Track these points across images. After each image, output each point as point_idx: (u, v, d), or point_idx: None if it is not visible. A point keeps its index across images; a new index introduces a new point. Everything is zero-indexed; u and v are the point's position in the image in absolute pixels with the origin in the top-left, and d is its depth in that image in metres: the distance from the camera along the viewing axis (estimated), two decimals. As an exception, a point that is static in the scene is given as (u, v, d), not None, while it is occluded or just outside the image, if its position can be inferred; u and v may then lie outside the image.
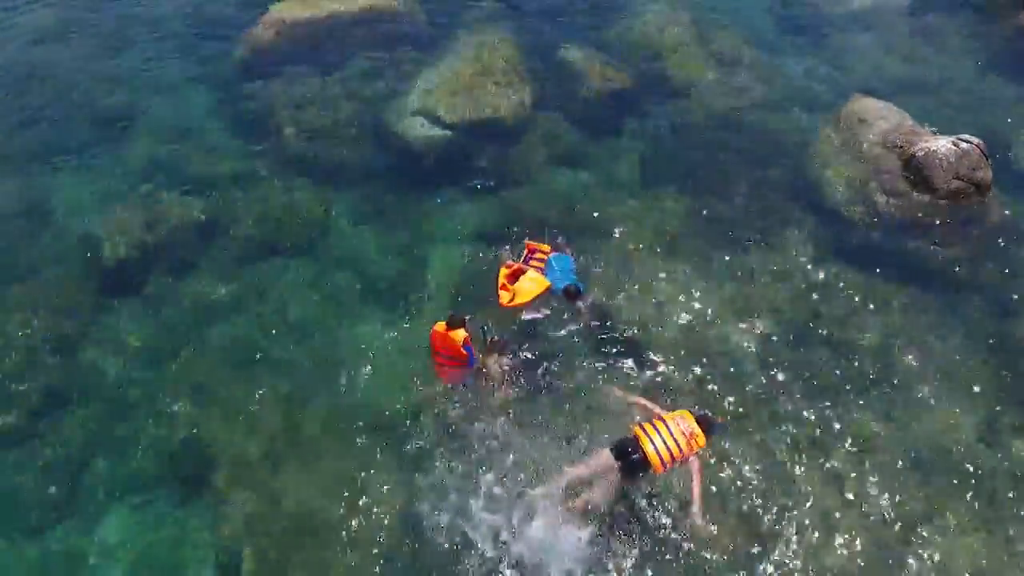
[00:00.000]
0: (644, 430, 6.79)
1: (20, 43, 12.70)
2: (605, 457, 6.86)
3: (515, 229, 9.43)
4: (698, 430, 6.78)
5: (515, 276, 7.99)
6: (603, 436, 7.25)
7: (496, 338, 8.02)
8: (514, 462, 7.25)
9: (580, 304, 8.23)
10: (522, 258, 8.40)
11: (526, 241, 8.66)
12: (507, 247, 8.93)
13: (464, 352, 7.33)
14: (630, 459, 6.72)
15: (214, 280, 9.21)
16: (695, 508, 6.70)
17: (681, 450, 6.67)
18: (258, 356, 8.42)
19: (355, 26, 12.85)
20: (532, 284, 7.89)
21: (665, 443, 6.65)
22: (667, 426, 6.75)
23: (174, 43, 12.75)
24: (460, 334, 7.22)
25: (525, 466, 7.22)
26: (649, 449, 6.66)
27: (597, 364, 8.02)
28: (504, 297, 7.92)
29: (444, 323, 7.25)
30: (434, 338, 7.43)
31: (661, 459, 6.65)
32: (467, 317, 7.47)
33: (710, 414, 7.25)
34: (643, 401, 7.29)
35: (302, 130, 11.06)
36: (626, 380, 7.88)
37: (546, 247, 8.51)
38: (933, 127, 10.31)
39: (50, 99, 11.66)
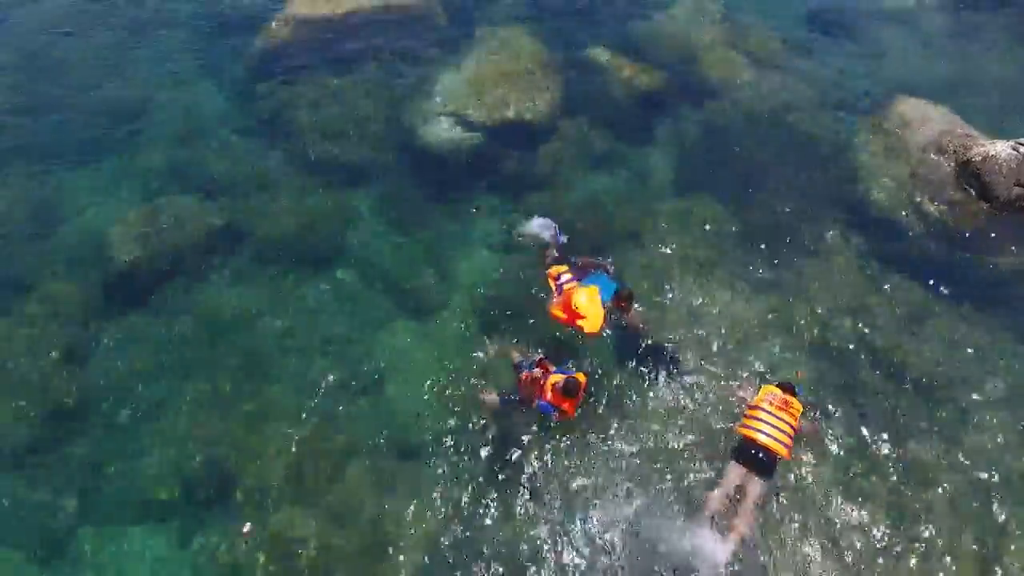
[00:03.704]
0: (748, 427, 6.72)
1: (31, 35, 12.29)
2: (735, 469, 6.74)
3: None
4: (787, 396, 6.80)
5: (568, 300, 7.36)
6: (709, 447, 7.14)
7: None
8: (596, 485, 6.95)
9: (632, 309, 7.74)
10: (557, 283, 7.86)
11: (547, 272, 8.05)
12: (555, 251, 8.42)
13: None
14: (757, 459, 6.61)
15: (230, 288, 8.78)
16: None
17: (788, 423, 6.65)
18: (276, 369, 8.00)
19: (373, 24, 12.43)
20: (592, 300, 7.29)
21: (774, 426, 6.61)
22: (763, 410, 6.72)
23: (188, 38, 12.33)
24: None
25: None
26: (764, 440, 6.57)
27: (647, 374, 7.69)
28: (587, 326, 7.29)
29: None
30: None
31: (782, 443, 6.58)
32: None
33: (785, 381, 7.15)
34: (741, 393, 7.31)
35: (321, 131, 10.61)
36: (675, 392, 7.57)
37: (563, 268, 7.97)
38: (986, 131, 9.81)
39: (62, 93, 11.22)
